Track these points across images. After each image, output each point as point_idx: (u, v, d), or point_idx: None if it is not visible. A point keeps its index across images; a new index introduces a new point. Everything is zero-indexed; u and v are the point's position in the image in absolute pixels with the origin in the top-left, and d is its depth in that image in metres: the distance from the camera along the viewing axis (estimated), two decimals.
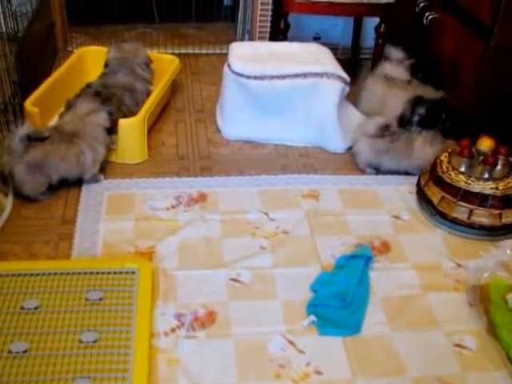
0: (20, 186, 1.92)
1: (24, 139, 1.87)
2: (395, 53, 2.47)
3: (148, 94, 2.37)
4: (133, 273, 1.61)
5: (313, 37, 3.01)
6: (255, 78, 2.23)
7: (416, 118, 2.18)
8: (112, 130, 2.09)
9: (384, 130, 2.11)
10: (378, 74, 2.42)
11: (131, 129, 2.14)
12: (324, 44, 2.53)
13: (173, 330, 1.51)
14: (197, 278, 1.67)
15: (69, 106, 2.16)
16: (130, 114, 2.22)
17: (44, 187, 1.95)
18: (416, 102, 2.21)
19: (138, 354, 1.39)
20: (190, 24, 3.37)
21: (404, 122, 2.18)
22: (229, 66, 2.30)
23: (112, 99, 2.21)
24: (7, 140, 1.93)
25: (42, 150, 1.90)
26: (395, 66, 2.42)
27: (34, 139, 1.90)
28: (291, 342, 1.50)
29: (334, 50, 2.86)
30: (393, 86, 2.35)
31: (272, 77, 2.22)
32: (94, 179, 2.04)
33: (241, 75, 2.24)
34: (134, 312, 1.50)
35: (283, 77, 2.22)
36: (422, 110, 2.19)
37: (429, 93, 2.27)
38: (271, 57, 2.33)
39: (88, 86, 2.29)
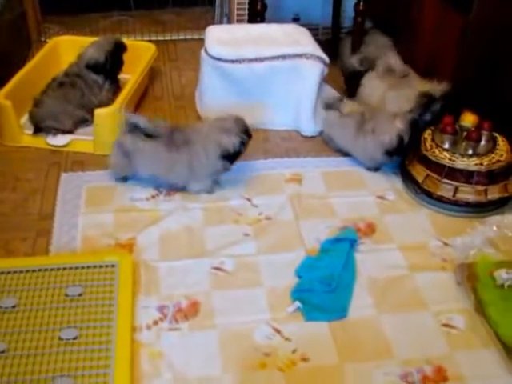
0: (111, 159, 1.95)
1: (131, 126, 1.85)
2: None
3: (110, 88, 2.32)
4: (113, 266, 1.57)
5: (292, 18, 2.95)
6: (233, 61, 2.18)
7: (428, 117, 2.05)
8: (233, 158, 1.89)
9: (336, 101, 2.13)
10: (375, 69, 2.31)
11: (108, 119, 2.08)
12: (304, 25, 2.47)
13: (155, 323, 1.47)
14: (179, 268, 1.64)
15: (36, 104, 2.11)
16: (91, 104, 2.20)
17: (125, 174, 1.94)
18: (428, 100, 2.06)
19: (120, 348, 1.36)
20: (167, 9, 3.28)
21: (417, 125, 1.98)
22: (206, 50, 2.25)
23: (75, 86, 2.19)
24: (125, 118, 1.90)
25: (135, 142, 1.86)
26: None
27: (142, 133, 1.85)
28: (277, 330, 1.47)
29: (315, 30, 2.81)
30: (390, 80, 2.24)
31: (250, 60, 2.17)
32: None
33: (218, 59, 2.19)
34: (114, 306, 1.46)
35: (261, 59, 2.17)
36: (436, 107, 2.05)
37: (428, 85, 2.13)
38: (249, 39, 2.27)
39: (53, 79, 2.24)
